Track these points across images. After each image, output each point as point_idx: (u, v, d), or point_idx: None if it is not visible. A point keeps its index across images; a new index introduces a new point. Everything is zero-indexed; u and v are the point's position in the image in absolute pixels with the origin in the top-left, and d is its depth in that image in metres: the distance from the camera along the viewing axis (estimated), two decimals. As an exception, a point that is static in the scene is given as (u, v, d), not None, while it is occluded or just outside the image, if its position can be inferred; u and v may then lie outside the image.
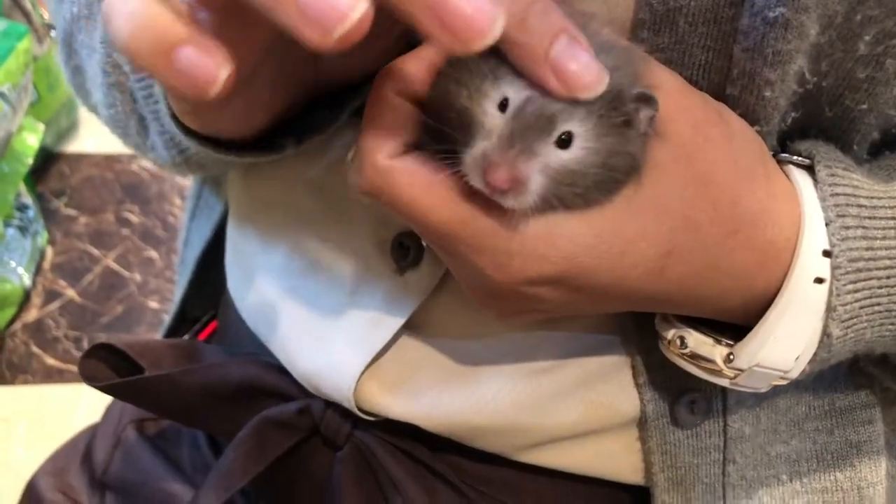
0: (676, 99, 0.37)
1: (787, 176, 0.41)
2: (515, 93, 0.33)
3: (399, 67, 0.36)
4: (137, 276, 1.63)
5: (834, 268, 0.39)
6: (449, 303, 0.47)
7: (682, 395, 0.46)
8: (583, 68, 0.32)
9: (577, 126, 0.33)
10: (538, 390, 0.47)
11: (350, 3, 0.26)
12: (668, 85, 0.37)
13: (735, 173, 0.38)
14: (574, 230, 0.35)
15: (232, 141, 0.43)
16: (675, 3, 0.38)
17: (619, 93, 0.34)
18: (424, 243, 0.45)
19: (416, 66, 0.36)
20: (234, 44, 0.30)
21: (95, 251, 1.67)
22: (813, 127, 0.42)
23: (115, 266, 1.64)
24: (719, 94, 0.40)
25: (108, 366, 0.53)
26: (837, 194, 0.39)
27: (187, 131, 0.42)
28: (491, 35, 0.28)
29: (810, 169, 0.41)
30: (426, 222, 0.35)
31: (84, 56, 0.52)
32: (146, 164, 1.86)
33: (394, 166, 0.35)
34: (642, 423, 0.47)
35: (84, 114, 1.94)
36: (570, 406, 0.47)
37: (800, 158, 0.41)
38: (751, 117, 0.40)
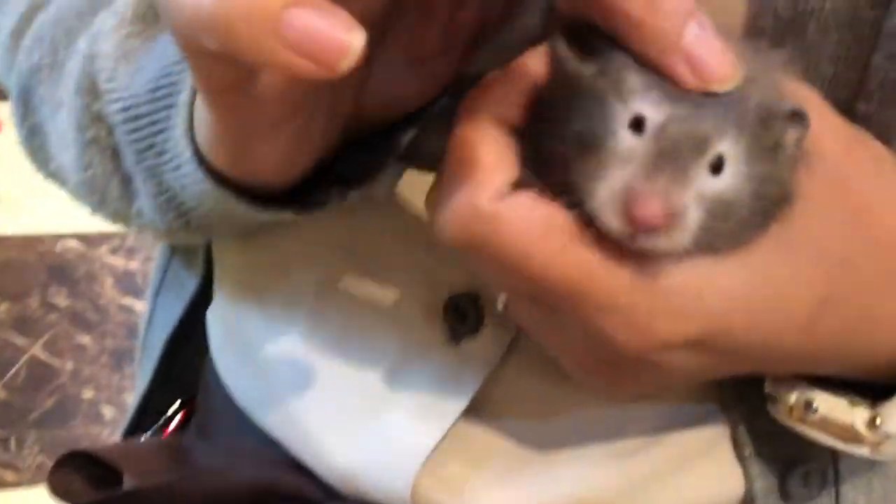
0: (824, 116, 0.33)
1: None
2: (653, 109, 0.28)
3: (493, 89, 0.31)
4: (69, 365, 1.56)
5: None
6: (517, 376, 0.41)
7: (794, 467, 0.42)
8: (718, 57, 0.28)
9: (729, 147, 0.29)
10: (628, 476, 0.41)
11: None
12: (812, 100, 0.33)
13: (893, 203, 0.34)
14: (724, 280, 0.31)
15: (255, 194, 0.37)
16: (804, 6, 0.34)
17: (769, 109, 0.30)
18: (500, 304, 0.38)
19: (513, 87, 0.31)
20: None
21: (20, 340, 1.58)
22: None
23: (42, 355, 1.56)
24: (847, 113, 0.36)
25: (82, 478, 0.46)
26: None
27: (205, 171, 0.36)
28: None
29: None
30: (545, 279, 0.29)
31: (46, 113, 0.46)
32: (72, 243, 1.79)
33: (501, 211, 0.29)
34: (748, 502, 0.42)
35: (2, 194, 1.86)
36: (665, 491, 0.42)
37: None
38: (886, 136, 0.36)
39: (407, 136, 0.38)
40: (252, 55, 0.23)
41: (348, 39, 0.23)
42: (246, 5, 0.23)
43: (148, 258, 1.85)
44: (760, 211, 0.30)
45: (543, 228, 0.29)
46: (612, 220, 0.28)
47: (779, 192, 0.30)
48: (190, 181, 0.37)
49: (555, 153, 0.29)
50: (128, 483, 0.45)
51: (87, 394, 1.50)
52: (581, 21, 0.31)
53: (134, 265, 1.77)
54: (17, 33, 0.47)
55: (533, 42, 0.33)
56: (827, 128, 0.32)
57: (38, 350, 1.57)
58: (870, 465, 0.43)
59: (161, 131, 0.38)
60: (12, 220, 1.82)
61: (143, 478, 0.45)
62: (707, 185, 0.28)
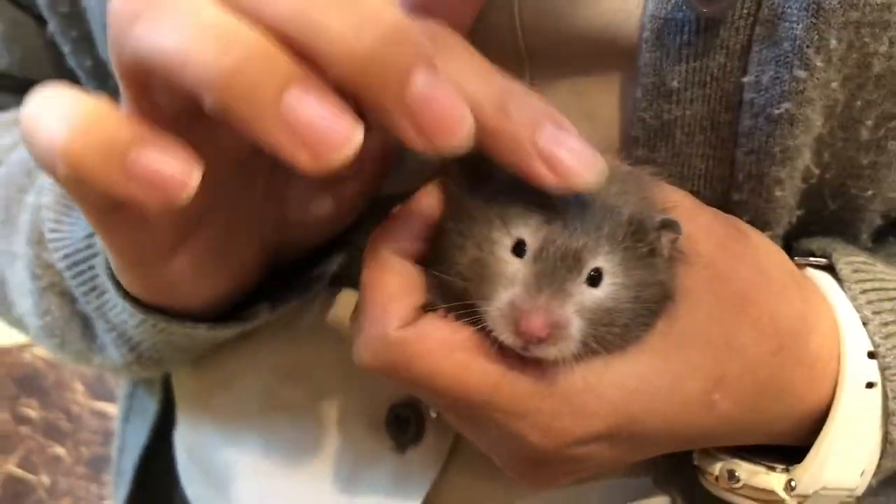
0: (695, 218, 0.35)
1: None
2: (531, 234, 0.31)
3: (393, 226, 0.34)
4: (45, 479, 1.50)
5: (883, 369, 0.37)
6: (461, 477, 0.43)
7: None
8: (575, 154, 0.29)
9: (604, 262, 0.31)
10: None
11: (348, 127, 0.24)
12: (683, 204, 0.35)
13: (769, 287, 0.36)
14: (619, 376, 0.33)
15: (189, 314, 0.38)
16: (669, 115, 0.36)
17: (640, 222, 0.32)
18: (433, 413, 0.40)
19: (411, 223, 0.34)
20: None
21: (-7, 458, 1.53)
22: (814, 223, 0.41)
23: (17, 471, 1.51)
24: (725, 202, 0.38)
25: None
26: (867, 290, 0.38)
27: (129, 299, 0.37)
28: (463, 132, 0.26)
29: (828, 268, 0.39)
30: (454, 394, 0.31)
31: (3, 264, 0.47)
32: (39, 351, 1.75)
33: (407, 337, 0.31)
34: None
35: (-36, 309, 1.82)
36: None
37: (816, 259, 0.40)
38: (761, 221, 0.38)
39: (332, 260, 0.40)
40: (99, 185, 0.25)
41: (185, 175, 0.25)
42: (95, 140, 0.24)
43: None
44: (644, 312, 0.32)
45: (448, 347, 0.31)
46: (504, 335, 0.30)
47: (659, 292, 0.33)
48: (127, 315, 0.38)
49: (453, 279, 0.32)
50: None
51: (66, 507, 1.45)
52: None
53: None
54: None
55: (442, 163, 0.35)
56: (700, 228, 0.34)
57: (12, 466, 1.52)
58: None
59: (97, 275, 0.40)
60: (-24, 334, 1.79)
61: None
62: (586, 296, 0.31)
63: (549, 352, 0.30)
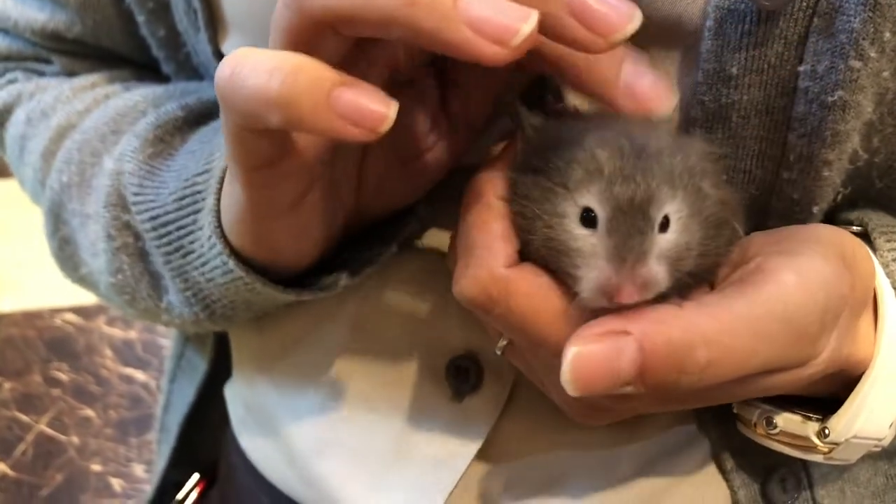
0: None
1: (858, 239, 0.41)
2: (597, 202, 0.32)
3: (495, 171, 0.35)
4: (75, 439, 1.53)
5: None
6: (518, 423, 0.44)
7: (771, 474, 0.45)
8: (653, 85, 0.33)
9: (668, 207, 0.33)
10: (628, 500, 0.44)
11: (521, 14, 0.28)
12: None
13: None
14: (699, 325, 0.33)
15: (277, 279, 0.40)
16: (726, 100, 0.38)
17: (688, 166, 0.34)
18: (497, 350, 0.41)
19: (503, 173, 0.35)
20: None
21: (25, 417, 1.56)
22: (862, 199, 0.43)
23: (49, 431, 1.54)
24: (775, 180, 0.40)
25: None
26: None
27: (234, 257, 0.39)
28: (630, 29, 0.30)
29: (864, 236, 0.41)
30: (544, 336, 0.33)
31: (76, 225, 0.49)
32: (70, 317, 1.79)
33: (512, 276, 0.33)
34: None
35: (0, 272, 1.85)
36: None
37: (854, 228, 0.41)
38: (808, 197, 0.40)
39: (407, 227, 0.41)
40: (311, 123, 0.28)
41: (385, 110, 0.28)
42: (306, 86, 0.28)
43: (145, 328, 1.83)
44: (715, 236, 0.34)
45: (547, 292, 0.33)
46: (600, 304, 0.32)
47: (719, 218, 0.34)
48: (218, 273, 0.40)
49: (532, 242, 0.33)
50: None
51: (95, 467, 1.47)
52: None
53: (132, 335, 1.76)
54: (47, 155, 0.50)
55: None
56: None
57: (43, 426, 1.55)
58: (840, 473, 0.46)
59: (188, 234, 0.42)
60: (9, 296, 1.81)
61: None
62: (662, 244, 0.32)
63: (643, 299, 0.32)
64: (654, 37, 0.38)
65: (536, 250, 0.33)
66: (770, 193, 0.40)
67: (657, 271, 0.32)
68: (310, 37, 0.30)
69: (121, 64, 0.54)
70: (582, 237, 0.32)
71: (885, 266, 0.39)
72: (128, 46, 0.53)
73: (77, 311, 1.82)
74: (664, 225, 0.32)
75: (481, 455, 0.44)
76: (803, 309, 0.33)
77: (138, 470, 1.46)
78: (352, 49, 0.32)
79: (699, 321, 0.31)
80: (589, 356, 0.31)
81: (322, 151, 0.34)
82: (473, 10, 0.28)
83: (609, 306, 0.32)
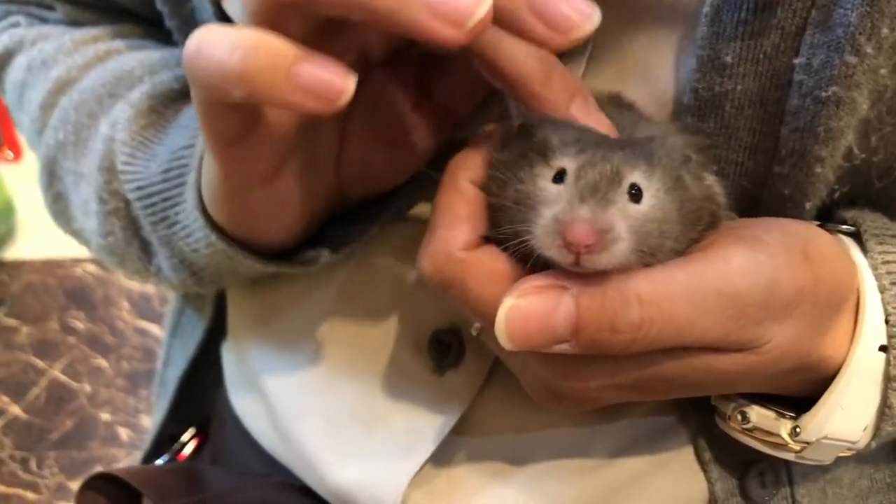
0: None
1: (836, 239, 0.40)
2: (570, 161, 0.32)
3: (471, 154, 0.35)
4: (87, 387, 1.55)
5: (891, 336, 0.38)
6: (495, 399, 0.44)
7: (750, 468, 0.44)
8: (599, 122, 0.34)
9: (641, 178, 0.32)
10: (596, 487, 0.44)
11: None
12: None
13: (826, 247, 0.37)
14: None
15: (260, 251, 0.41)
16: (720, 89, 0.37)
17: (668, 149, 0.33)
18: (473, 331, 0.41)
19: (481, 156, 0.35)
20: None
21: (40, 363, 1.59)
22: (861, 197, 0.42)
23: (62, 377, 1.56)
24: (767, 174, 0.39)
25: (106, 497, 0.48)
26: (889, 262, 0.39)
27: (217, 232, 0.40)
28: (587, 28, 0.31)
29: (856, 236, 0.40)
30: (493, 321, 0.33)
31: (69, 183, 0.50)
32: (90, 267, 1.81)
33: (468, 259, 0.33)
34: None
35: (22, 218, 1.88)
36: (633, 499, 0.44)
37: (846, 227, 0.41)
38: (800, 193, 0.39)
39: (391, 207, 0.42)
40: (270, 97, 0.29)
41: (343, 83, 0.29)
42: (265, 61, 0.28)
43: (163, 282, 1.85)
44: (691, 224, 0.33)
45: (500, 278, 0.33)
46: (552, 251, 0.30)
47: (699, 207, 0.34)
48: (201, 245, 0.41)
49: (503, 210, 0.33)
50: (147, 504, 0.48)
51: (105, 416, 1.50)
52: None
53: (150, 289, 1.77)
54: (46, 107, 0.51)
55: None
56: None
57: (57, 372, 1.57)
58: (822, 473, 0.46)
59: (173, 206, 0.43)
60: (31, 244, 1.84)
61: (161, 500, 0.48)
62: (630, 209, 0.31)
63: (601, 260, 0.30)
64: (653, 17, 0.37)
65: (506, 217, 0.33)
66: (761, 187, 0.40)
67: (618, 225, 0.30)
68: (274, 16, 0.30)
69: (124, 17, 0.55)
70: (549, 189, 0.32)
71: (875, 268, 0.39)
72: None
73: (97, 261, 1.83)
74: (636, 196, 0.32)
75: (456, 429, 0.44)
76: (745, 289, 0.32)
77: (146, 421, 1.49)
78: (321, 29, 0.32)
79: (636, 282, 0.31)
80: (524, 309, 0.31)
81: (292, 125, 0.34)
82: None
83: (564, 260, 0.30)
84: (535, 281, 0.31)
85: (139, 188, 0.44)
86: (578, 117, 0.33)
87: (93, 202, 0.47)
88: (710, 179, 0.35)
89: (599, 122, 0.34)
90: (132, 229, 0.47)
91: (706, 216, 0.34)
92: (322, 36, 0.32)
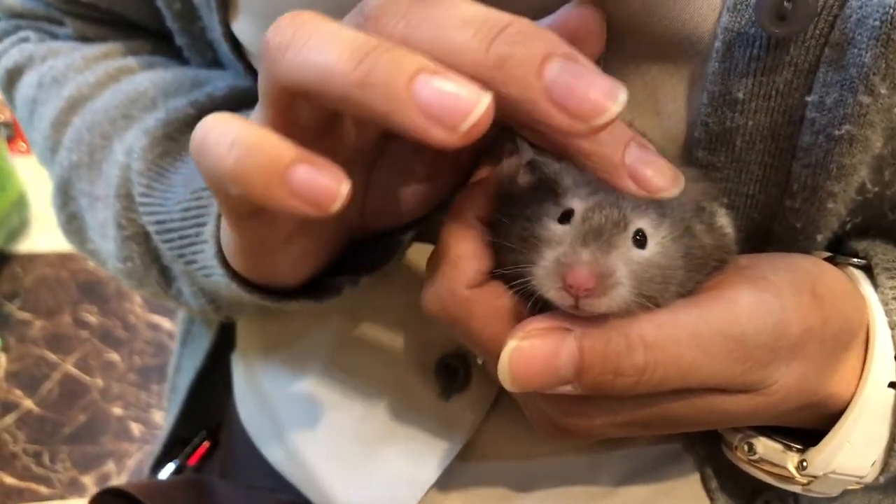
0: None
1: (847, 276, 0.40)
2: (579, 202, 0.32)
3: (478, 191, 0.35)
4: (99, 382, 1.56)
5: None
6: (501, 426, 0.45)
7: (756, 497, 0.45)
8: (658, 170, 0.31)
9: (648, 225, 0.32)
10: None
11: (473, 96, 0.26)
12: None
13: (837, 287, 0.37)
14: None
15: (276, 288, 0.41)
16: (731, 123, 0.37)
17: (680, 203, 0.33)
18: (479, 360, 0.41)
19: (490, 192, 0.35)
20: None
21: (53, 356, 1.60)
22: (873, 228, 0.42)
23: (74, 371, 1.57)
24: (778, 207, 0.39)
25: None
26: None
27: (237, 280, 0.40)
28: (614, 111, 0.27)
29: (867, 269, 0.40)
30: (497, 357, 0.33)
31: (84, 205, 0.50)
32: None
33: (472, 297, 0.33)
34: None
35: (36, 211, 1.89)
36: None
37: (857, 260, 0.41)
38: (812, 226, 0.39)
39: (409, 235, 0.42)
40: (263, 200, 0.28)
41: (337, 188, 0.27)
42: (260, 163, 0.28)
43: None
44: (695, 271, 0.33)
45: (506, 314, 0.33)
46: (552, 293, 0.31)
47: (706, 254, 0.34)
48: (221, 285, 0.41)
49: (508, 249, 0.33)
50: (157, 519, 0.49)
51: (117, 410, 1.50)
52: None
53: None
54: (58, 125, 0.50)
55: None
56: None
57: (70, 366, 1.58)
58: (829, 500, 0.45)
59: (191, 244, 0.43)
60: (45, 236, 1.85)
61: None
62: (633, 254, 0.31)
63: (601, 304, 0.30)
64: (663, 53, 0.37)
65: (510, 255, 0.33)
66: (772, 219, 0.39)
67: (619, 270, 0.31)
68: (286, 102, 0.30)
69: (134, 33, 0.54)
70: (553, 230, 0.32)
71: (885, 304, 0.38)
72: (141, 14, 0.53)
73: (110, 255, 1.83)
74: (640, 241, 0.32)
75: (461, 454, 0.44)
76: (752, 331, 0.32)
77: (157, 416, 1.50)
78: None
79: (641, 326, 0.31)
80: (527, 350, 0.31)
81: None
82: (424, 93, 0.26)
83: (563, 302, 0.31)
84: (539, 323, 0.31)
85: (159, 222, 0.44)
86: (638, 168, 0.31)
87: (111, 227, 0.47)
88: (724, 221, 0.35)
89: (660, 171, 0.31)
90: (151, 255, 0.47)
91: (714, 262, 0.34)
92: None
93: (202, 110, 0.47)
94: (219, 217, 0.40)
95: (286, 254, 0.37)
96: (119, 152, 0.47)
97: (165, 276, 0.48)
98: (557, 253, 0.31)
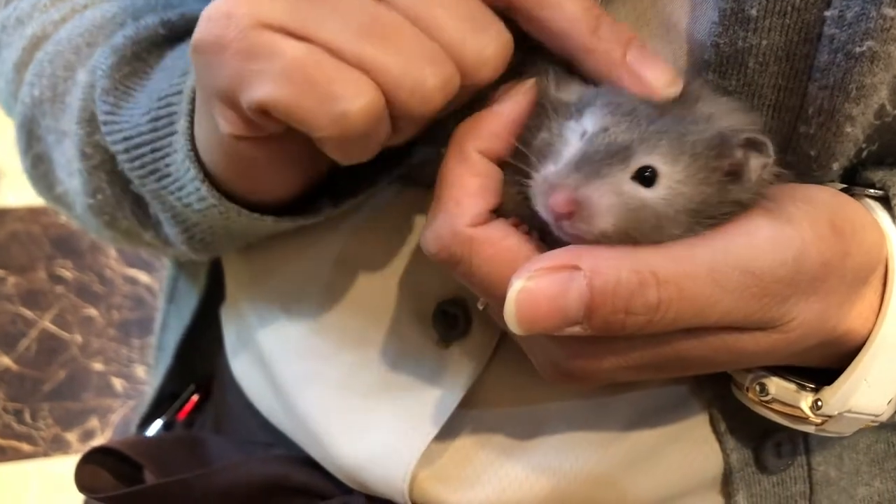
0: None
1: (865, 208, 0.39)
2: (594, 123, 0.31)
3: (479, 124, 0.34)
4: (78, 337, 1.54)
5: None
6: (503, 372, 0.43)
7: (766, 438, 0.44)
8: (656, 69, 0.33)
9: (661, 163, 0.31)
10: (609, 460, 0.43)
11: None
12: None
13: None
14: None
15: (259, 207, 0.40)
16: (743, 43, 0.35)
17: (723, 137, 0.31)
18: (480, 305, 0.40)
19: (497, 123, 0.34)
20: None
21: (29, 313, 1.57)
22: (890, 155, 0.41)
23: (52, 328, 1.55)
24: (791, 133, 0.38)
25: (106, 470, 0.47)
26: None
27: (209, 183, 0.38)
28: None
29: (884, 200, 0.39)
30: (502, 300, 0.32)
31: (50, 142, 0.47)
32: None
33: (475, 236, 0.32)
34: (727, 476, 0.44)
35: (4, 166, 1.84)
36: (647, 472, 0.44)
37: (874, 191, 0.39)
38: (827, 154, 0.38)
39: (398, 162, 0.40)
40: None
41: None
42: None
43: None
44: (701, 228, 0.31)
45: (510, 257, 0.32)
46: (539, 206, 0.31)
47: (731, 210, 0.32)
48: (193, 199, 0.39)
49: (526, 152, 0.32)
50: (148, 478, 0.47)
51: (97, 365, 1.49)
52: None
53: None
54: (20, 66, 0.47)
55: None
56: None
57: (47, 323, 1.56)
58: (839, 439, 0.45)
59: (163, 157, 0.40)
60: (14, 191, 1.80)
61: (162, 472, 0.47)
62: (628, 189, 0.30)
63: (580, 228, 0.30)
64: None
65: (532, 147, 0.32)
66: (785, 148, 0.38)
67: (598, 202, 0.30)
68: (257, 122, 0.32)
69: None
70: (571, 145, 0.32)
71: None
72: None
73: (82, 208, 1.80)
74: (648, 179, 0.30)
75: (464, 402, 0.43)
76: (771, 266, 0.31)
77: (140, 371, 1.49)
78: None
79: (654, 260, 0.30)
80: (534, 291, 0.30)
81: None
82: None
83: (548, 218, 0.31)
84: (546, 261, 0.30)
85: (125, 139, 0.41)
86: (636, 67, 0.32)
87: (75, 159, 0.45)
88: (758, 170, 0.32)
89: (659, 71, 0.32)
90: (121, 184, 0.44)
91: (734, 209, 0.32)
92: None
93: (173, 30, 0.44)
94: (190, 114, 0.38)
95: (271, 150, 0.36)
96: (82, 76, 0.44)
97: (140, 204, 0.45)
98: (549, 170, 0.31)
